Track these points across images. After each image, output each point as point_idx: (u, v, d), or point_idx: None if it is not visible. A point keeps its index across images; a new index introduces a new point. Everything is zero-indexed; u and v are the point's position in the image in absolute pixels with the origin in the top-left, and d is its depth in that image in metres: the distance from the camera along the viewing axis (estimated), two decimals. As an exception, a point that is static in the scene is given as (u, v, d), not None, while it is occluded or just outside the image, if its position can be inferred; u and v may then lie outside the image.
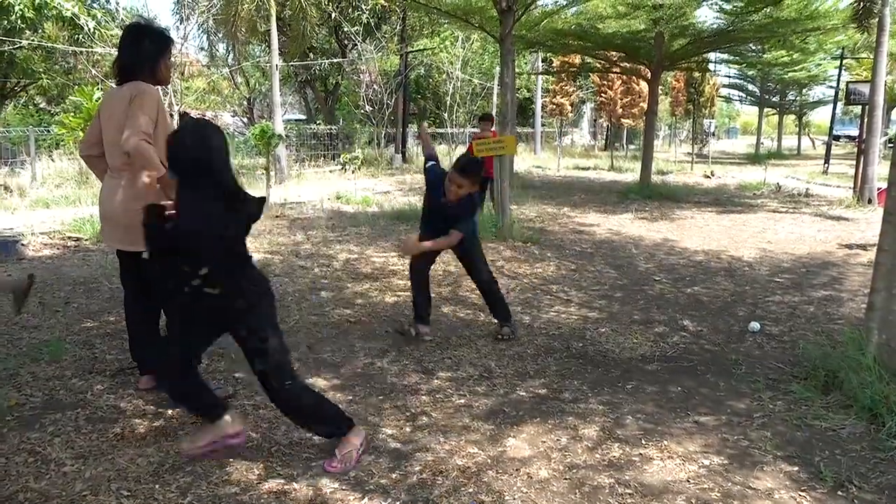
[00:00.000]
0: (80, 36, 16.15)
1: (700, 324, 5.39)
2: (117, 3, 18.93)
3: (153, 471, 2.87)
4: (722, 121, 61.43)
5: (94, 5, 18.66)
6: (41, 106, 26.71)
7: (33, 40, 17.16)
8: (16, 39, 15.99)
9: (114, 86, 3.62)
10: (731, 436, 3.39)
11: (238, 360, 4.19)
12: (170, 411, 3.43)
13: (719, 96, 36.71)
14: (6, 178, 13.85)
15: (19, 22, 15.04)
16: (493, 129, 9.64)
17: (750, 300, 6.16)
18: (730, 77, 36.63)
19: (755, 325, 5.26)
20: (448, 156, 25.06)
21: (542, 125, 32.06)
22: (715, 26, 15.45)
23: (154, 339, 3.64)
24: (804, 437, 3.38)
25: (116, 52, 3.60)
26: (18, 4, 14.27)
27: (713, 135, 29.60)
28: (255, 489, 2.78)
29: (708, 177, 20.60)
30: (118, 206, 3.47)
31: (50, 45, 17.79)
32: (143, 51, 3.51)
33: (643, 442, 3.31)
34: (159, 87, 3.61)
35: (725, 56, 22.35)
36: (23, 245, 7.27)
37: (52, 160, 15.86)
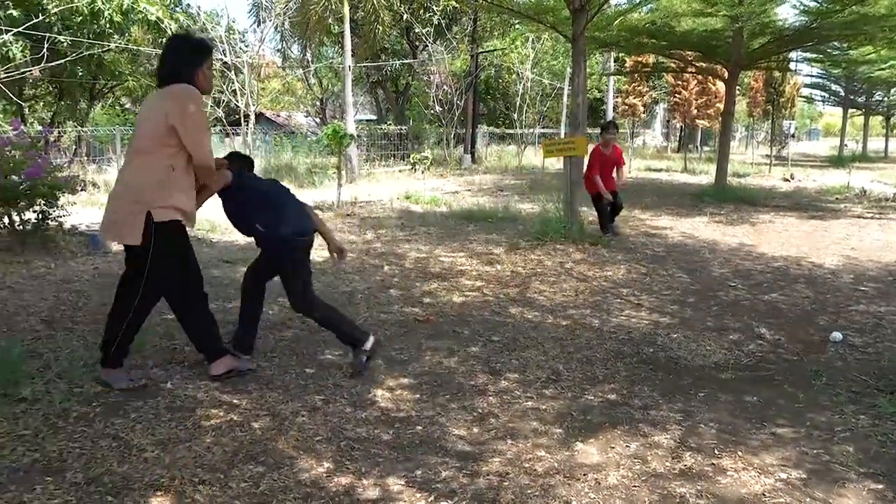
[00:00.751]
0: (164, 39, 16.78)
1: (778, 332, 5.20)
2: (198, 7, 19.61)
3: (228, 459, 2.96)
4: (802, 122, 59.25)
5: (177, 9, 19.37)
6: (126, 106, 27.91)
7: (120, 43, 17.93)
8: (105, 43, 16.73)
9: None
10: (811, 449, 3.26)
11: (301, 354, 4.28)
12: (244, 401, 3.54)
13: (800, 97, 35.40)
14: (94, 174, 14.54)
15: (108, 26, 15.75)
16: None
17: (832, 309, 5.91)
18: (812, 76, 35.33)
19: (837, 335, 5.04)
20: (517, 157, 25.00)
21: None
22: (797, 24, 14.89)
23: (207, 324, 3.81)
24: (891, 454, 3.22)
25: (158, 61, 3.73)
26: (107, 9, 14.95)
27: (793, 136, 28.53)
28: (325, 483, 2.83)
29: (787, 180, 19.89)
30: (120, 200, 3.59)
31: (136, 47, 18.57)
32: (183, 60, 3.62)
33: (717, 452, 3.22)
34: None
35: (808, 55, 21.49)
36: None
37: (136, 158, 16.52)
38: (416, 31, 23.97)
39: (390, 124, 24.59)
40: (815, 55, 21.34)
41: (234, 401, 3.56)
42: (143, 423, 3.26)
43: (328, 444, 3.16)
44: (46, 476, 2.75)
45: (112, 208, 3.61)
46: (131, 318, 3.66)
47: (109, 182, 13.74)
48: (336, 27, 21.77)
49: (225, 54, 13.26)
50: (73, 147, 19.18)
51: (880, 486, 2.92)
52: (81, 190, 11.82)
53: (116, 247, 7.56)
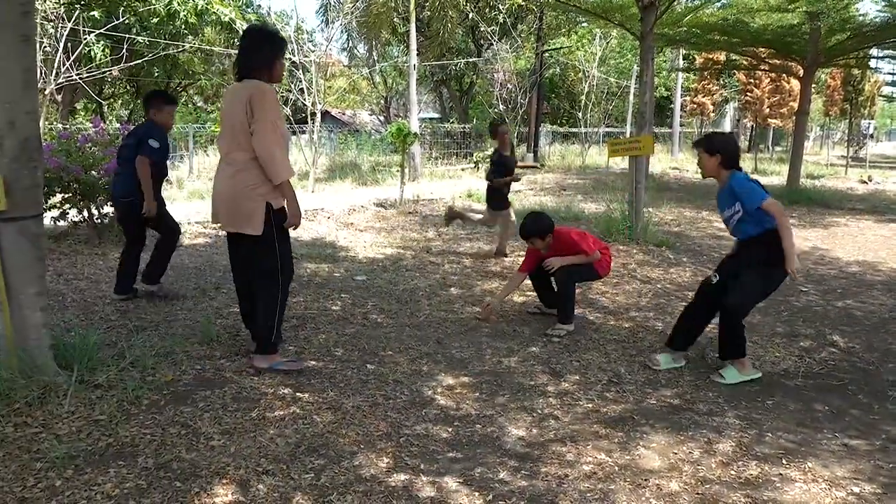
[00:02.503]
0: (236, 39, 17.27)
1: (852, 340, 5.00)
2: (269, 7, 20.08)
3: (290, 451, 3.02)
4: (883, 122, 56.72)
5: (249, 10, 19.88)
6: (199, 104, 28.82)
7: (194, 44, 18.53)
8: (180, 43, 17.32)
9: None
10: (887, 463, 3.12)
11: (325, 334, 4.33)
12: (306, 395, 3.61)
13: (881, 95, 33.88)
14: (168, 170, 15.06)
15: (183, 27, 16.30)
16: None
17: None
18: (893, 74, 33.73)
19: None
20: (581, 156, 24.72)
21: (681, 125, 30.86)
22: (879, 19, 14.24)
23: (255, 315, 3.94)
24: (973, 471, 3.06)
25: (237, 53, 3.87)
26: (183, 11, 15.46)
27: (872, 136, 27.35)
28: (384, 478, 2.86)
29: (865, 182, 19.07)
30: (226, 190, 3.77)
31: (209, 47, 19.15)
32: (262, 53, 3.77)
33: (784, 462, 3.12)
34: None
35: (890, 51, 20.54)
36: (180, 233, 7.84)
37: (207, 155, 17.08)
38: (482, 29, 23.94)
39: (454, 122, 24.65)
40: (897, 52, 20.38)
41: (297, 394, 3.64)
42: (210, 412, 3.36)
43: (388, 440, 3.19)
44: (119, 460, 2.87)
45: (224, 199, 3.82)
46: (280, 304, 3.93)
47: (181, 178, 14.22)
48: (402, 26, 21.92)
49: (293, 53, 13.55)
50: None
51: (961, 505, 2.79)
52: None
53: (188, 240, 7.82)
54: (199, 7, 15.57)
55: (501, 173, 7.48)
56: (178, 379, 3.74)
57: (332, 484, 2.79)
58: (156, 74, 20.85)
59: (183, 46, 17.78)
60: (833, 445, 3.31)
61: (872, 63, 23.87)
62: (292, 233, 4.07)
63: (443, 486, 2.83)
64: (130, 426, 3.16)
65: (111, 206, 7.21)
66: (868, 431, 3.48)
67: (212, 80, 23.38)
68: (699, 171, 4.30)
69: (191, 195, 12.31)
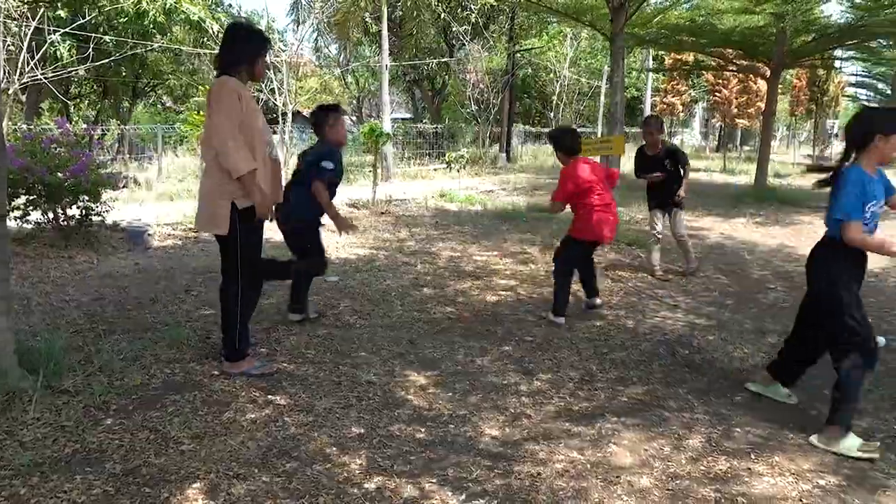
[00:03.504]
0: (205, 39, 17.09)
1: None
2: (239, 7, 19.90)
3: (262, 454, 3.00)
4: (847, 121, 57.91)
5: (218, 9, 19.68)
6: (168, 105, 28.47)
7: (163, 43, 18.29)
8: (148, 42, 17.08)
9: None
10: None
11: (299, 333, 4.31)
12: (278, 397, 3.58)
13: (845, 95, 34.55)
14: (136, 171, 14.85)
15: (151, 26, 16.07)
16: None
17: (875, 313, 5.76)
18: (857, 75, 34.42)
19: (881, 340, 4.89)
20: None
21: (651, 125, 31.13)
22: (843, 21, 14.53)
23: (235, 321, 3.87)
24: (934, 462, 3.13)
25: (219, 48, 3.84)
26: (152, 10, 15.25)
27: (836, 136, 27.88)
28: (358, 480, 2.85)
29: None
30: (199, 190, 3.77)
31: (177, 47, 18.92)
32: (235, 49, 3.73)
33: (752, 456, 3.16)
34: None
35: (853, 52, 20.96)
36: (149, 235, 7.76)
37: (177, 156, 16.89)
38: (454, 29, 23.98)
39: (426, 123, 24.65)
40: (860, 53, 20.81)
41: (269, 397, 3.61)
42: (179, 416, 3.32)
43: (361, 442, 3.18)
44: (86, 466, 2.82)
45: (200, 202, 3.80)
46: (243, 308, 3.87)
47: (150, 179, 14.04)
48: (374, 26, 21.87)
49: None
50: (116, 145, 19.62)
51: (923, 496, 2.85)
52: (123, 187, 12.06)
53: (157, 242, 7.73)
54: (168, 6, 15.36)
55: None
56: (147, 383, 3.69)
57: (304, 487, 2.77)
58: (123, 74, 20.55)
59: (151, 46, 17.53)
60: (799, 439, 3.36)
61: (836, 64, 24.32)
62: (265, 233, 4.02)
63: (417, 486, 2.83)
64: (98, 432, 3.11)
65: (77, 208, 7.10)
66: (833, 425, 3.53)
67: (181, 80, 23.12)
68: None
69: (160, 196, 12.15)
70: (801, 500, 2.80)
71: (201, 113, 12.22)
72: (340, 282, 6.21)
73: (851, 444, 3.19)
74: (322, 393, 3.70)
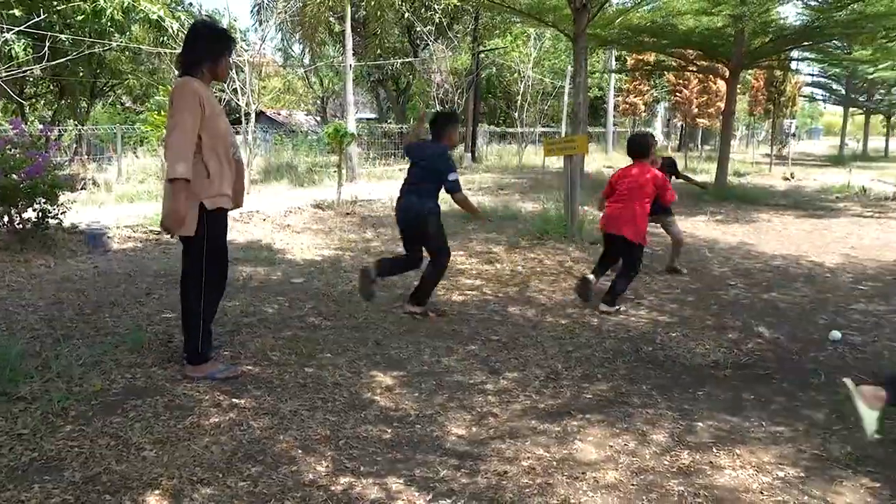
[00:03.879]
0: (165, 37, 16.82)
1: (777, 331, 5.21)
2: (200, 5, 19.62)
3: (226, 459, 2.96)
4: (803, 121, 59.20)
5: (179, 8, 19.40)
6: (127, 105, 27.97)
7: (122, 42, 17.96)
8: (106, 41, 16.76)
9: None
10: (808, 447, 3.26)
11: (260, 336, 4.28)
12: (243, 400, 3.54)
13: (801, 95, 35.29)
14: (94, 173, 14.55)
15: (109, 25, 15.77)
16: None
17: (831, 308, 5.91)
18: (813, 76, 35.28)
19: (836, 335, 5.04)
20: (518, 156, 24.98)
21: (615, 125, 31.56)
22: (798, 23, 14.89)
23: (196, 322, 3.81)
24: (887, 452, 3.22)
25: (182, 47, 3.79)
26: (109, 8, 14.96)
27: (794, 135, 28.49)
28: (324, 482, 2.83)
29: (788, 179, 19.88)
30: (165, 192, 3.68)
31: (136, 46, 18.58)
32: (196, 48, 3.68)
33: (714, 450, 3.22)
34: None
35: (808, 54, 21.48)
36: (109, 238, 7.61)
37: (137, 157, 16.58)
38: (418, 29, 23.96)
39: (391, 123, 24.59)
40: (815, 54, 21.34)
41: (233, 400, 3.56)
42: (141, 421, 3.26)
43: (327, 444, 3.16)
44: (45, 475, 2.75)
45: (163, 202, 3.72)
46: (206, 311, 3.81)
47: (109, 181, 13.77)
48: (337, 26, 21.75)
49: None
50: (74, 145, 19.19)
51: (877, 484, 2.93)
52: (81, 189, 11.83)
53: (117, 245, 7.58)
54: (126, 4, 15.09)
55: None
56: (107, 388, 3.62)
57: (269, 491, 2.74)
58: (81, 74, 20.13)
59: (109, 45, 17.21)
60: (760, 432, 3.43)
61: (793, 65, 24.86)
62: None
63: (384, 487, 2.82)
64: (56, 439, 3.03)
65: (34, 210, 6.93)
66: (792, 417, 3.62)
67: (140, 80, 22.72)
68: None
69: (119, 198, 11.93)
70: (762, 493, 2.85)
71: (162, 113, 12.03)
72: (305, 283, 6.17)
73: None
74: (287, 395, 3.67)
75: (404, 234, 5.43)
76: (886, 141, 41.23)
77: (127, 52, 20.09)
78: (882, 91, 36.21)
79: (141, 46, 18.55)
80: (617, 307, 5.62)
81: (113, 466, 2.84)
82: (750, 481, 2.94)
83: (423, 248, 5.36)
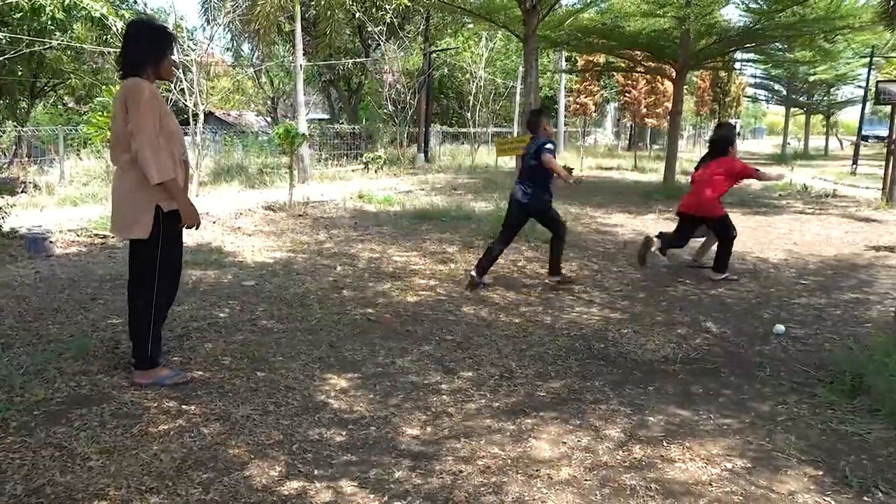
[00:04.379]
0: (109, 36, 16.38)
1: (724, 326, 5.34)
2: (145, 4, 19.18)
3: (176, 466, 2.90)
4: (748, 121, 60.83)
5: (123, 6, 18.91)
6: (70, 105, 27.17)
7: (63, 41, 17.43)
8: (46, 40, 16.25)
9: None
10: (755, 439, 3.35)
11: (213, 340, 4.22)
12: (193, 407, 3.47)
13: (745, 96, 36.34)
14: (35, 176, 14.09)
15: (49, 23, 15.29)
16: None
17: (775, 302, 6.09)
18: (756, 77, 36.29)
19: (780, 328, 5.19)
20: (471, 156, 25.07)
21: (566, 125, 31.92)
22: (741, 25, 15.28)
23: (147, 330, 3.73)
24: (829, 441, 3.33)
25: (120, 49, 3.71)
26: (49, 6, 14.51)
27: (739, 135, 29.28)
28: (276, 487, 2.79)
29: (733, 177, 20.35)
30: (115, 193, 3.65)
31: (79, 45, 18.06)
32: (143, 47, 3.62)
33: (665, 443, 3.28)
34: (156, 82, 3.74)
35: (751, 55, 22.10)
36: (51, 242, 7.39)
37: (80, 159, 16.11)
38: (369, 29, 23.84)
39: (343, 123, 24.42)
40: (758, 56, 21.98)
41: (183, 406, 3.49)
42: (87, 431, 3.17)
43: (280, 448, 3.12)
44: (-16, 488, 2.66)
45: (117, 206, 3.67)
46: (157, 315, 3.74)
47: (51, 184, 13.35)
48: (287, 26, 21.49)
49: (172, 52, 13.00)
50: (13, 148, 18.54)
51: (819, 472, 3.02)
52: (21, 192, 11.44)
53: (60, 250, 7.36)
54: (67, 2, 14.65)
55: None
56: (51, 398, 3.51)
57: (221, 498, 2.69)
58: (20, 73, 19.48)
59: (50, 43, 16.69)
60: (708, 425, 3.51)
61: (737, 66, 25.52)
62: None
63: (338, 490, 2.80)
64: (-4, 451, 2.93)
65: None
66: (739, 410, 3.72)
67: (83, 80, 22.10)
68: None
69: (62, 201, 11.57)
70: (710, 484, 2.92)
71: (106, 114, 11.72)
72: (257, 286, 6.08)
73: None
74: (239, 400, 3.61)
75: (509, 219, 6.46)
76: (826, 140, 42.69)
77: (69, 52, 19.51)
78: (821, 92, 37.46)
79: (83, 45, 18.04)
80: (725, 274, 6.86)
81: (57, 478, 2.76)
82: (699, 473, 3.01)
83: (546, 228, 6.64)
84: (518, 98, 26.75)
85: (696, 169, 7.96)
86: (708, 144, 8.37)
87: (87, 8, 14.65)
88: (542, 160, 6.06)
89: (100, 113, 12.84)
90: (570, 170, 6.43)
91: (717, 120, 29.88)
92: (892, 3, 6.59)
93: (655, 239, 7.15)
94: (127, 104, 3.48)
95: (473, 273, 6.27)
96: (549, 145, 6.18)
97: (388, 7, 22.80)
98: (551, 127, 6.79)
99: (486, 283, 6.37)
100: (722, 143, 7.54)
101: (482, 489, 2.83)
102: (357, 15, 22.85)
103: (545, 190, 6.30)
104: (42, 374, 3.79)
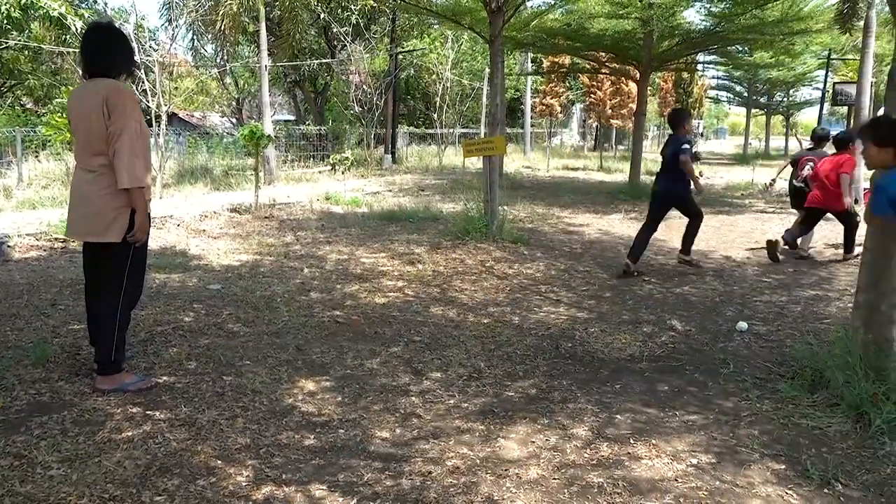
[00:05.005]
0: (68, 36, 16.05)
1: (688, 323, 5.41)
2: (105, 4, 18.84)
3: (140, 473, 2.85)
4: (710, 121, 61.82)
5: (82, 5, 18.56)
6: (28, 106, 26.58)
7: (20, 41, 17.04)
8: (2, 40, 15.86)
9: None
10: (719, 434, 3.41)
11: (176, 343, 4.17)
12: (157, 412, 3.42)
13: (707, 97, 36.94)
14: (-8, 179, 13.74)
15: (5, 22, 14.94)
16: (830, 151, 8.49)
17: (738, 300, 6.20)
18: (718, 78, 36.91)
19: (743, 325, 5.29)
20: (438, 157, 25.08)
21: (532, 126, 32.11)
22: (702, 27, 15.53)
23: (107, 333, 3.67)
24: (791, 435, 3.40)
25: (88, 48, 3.61)
26: (5, 4, 14.18)
27: (702, 135, 29.73)
28: (245, 492, 2.76)
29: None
30: (85, 196, 3.57)
31: (37, 45, 17.67)
32: (124, 51, 3.62)
33: (632, 441, 3.32)
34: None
35: (713, 57, 22.48)
36: (9, 247, 7.22)
37: (39, 161, 15.75)
38: (335, 30, 23.72)
39: (309, 125, 24.25)
40: (719, 58, 22.36)
41: (147, 412, 3.44)
42: (47, 439, 3.10)
43: (248, 452, 3.09)
44: (-60, 500, 2.58)
45: (84, 207, 3.60)
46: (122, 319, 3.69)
47: (9, 187, 13.04)
48: (252, 26, 21.28)
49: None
50: (-31, 150, 18.08)
51: (782, 466, 3.09)
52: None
53: (19, 254, 7.19)
54: (24, 1, 14.32)
55: None
56: (9, 406, 3.42)
57: (187, 504, 2.66)
58: (-25, 73, 19.01)
59: (6, 43, 16.30)
60: (674, 422, 3.56)
61: (699, 68, 25.94)
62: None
63: (307, 494, 2.78)
64: (-47, 462, 2.85)
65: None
66: (703, 407, 3.77)
67: (42, 80, 21.63)
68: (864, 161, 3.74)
69: (20, 205, 11.30)
70: (676, 480, 2.96)
71: (65, 115, 11.46)
72: (223, 289, 6.01)
73: None
74: (205, 405, 3.56)
75: (653, 211, 7.42)
76: (786, 140, 43.58)
77: (26, 51, 19.09)
78: (781, 93, 38.26)
79: (42, 45, 17.66)
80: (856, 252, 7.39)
81: (17, 488, 2.69)
82: (665, 469, 3.05)
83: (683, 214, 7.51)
84: (485, 99, 26.84)
85: (793, 163, 9.06)
86: (812, 140, 9.22)
87: (45, 7, 14.36)
88: (680, 160, 6.89)
89: (59, 114, 12.57)
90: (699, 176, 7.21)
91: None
92: (845, 7, 6.80)
93: (780, 239, 8.07)
94: (109, 105, 3.42)
95: (628, 261, 7.10)
96: (685, 145, 6.92)
97: (353, 7, 22.71)
98: (691, 126, 7.63)
99: (639, 272, 7.11)
100: (845, 141, 8.12)
101: (452, 489, 2.83)
102: (322, 15, 22.72)
103: (683, 181, 7.15)
104: (0, 381, 3.70)
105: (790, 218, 11.64)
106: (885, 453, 3.19)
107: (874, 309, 3.87)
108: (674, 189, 7.17)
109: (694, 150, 8.19)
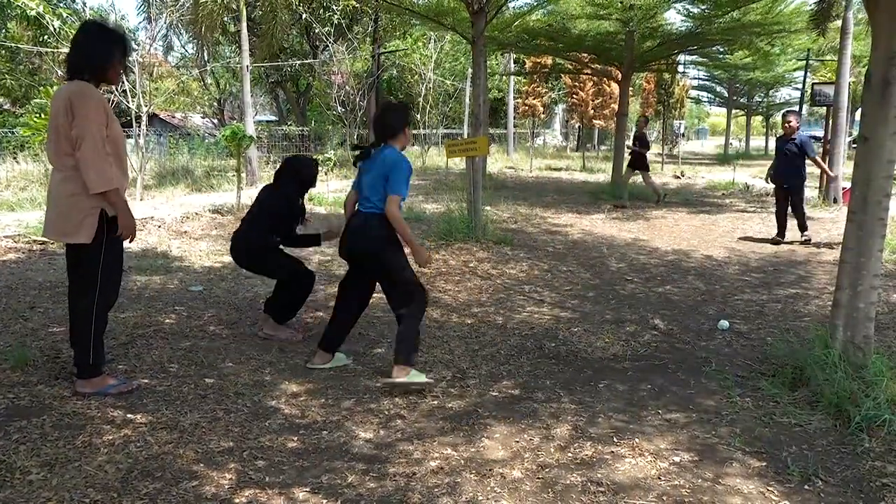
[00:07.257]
0: (46, 36, 15.87)
1: (671, 322, 5.45)
2: (84, 3, 18.65)
3: (122, 477, 2.82)
4: (691, 122, 62.26)
5: (60, 5, 18.36)
6: (5, 107, 26.21)
7: (-3, 40, 16.82)
8: (-22, 39, 15.65)
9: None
10: (701, 433, 3.43)
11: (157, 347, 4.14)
12: (139, 416, 3.39)
13: (689, 97, 37.14)
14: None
15: (-19, 22, 14.73)
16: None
17: (719, 299, 6.25)
18: (699, 79, 37.17)
19: (724, 324, 5.34)
20: (421, 157, 25.07)
21: (515, 126, 32.18)
22: (683, 28, 15.66)
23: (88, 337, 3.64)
24: (772, 432, 3.43)
25: (70, 47, 3.60)
26: (-20, 4, 13.98)
27: (683, 136, 29.95)
28: (227, 496, 2.74)
29: (678, 177, 20.83)
30: (55, 197, 3.55)
31: (14, 45, 17.45)
32: (95, 51, 3.55)
33: (615, 440, 3.34)
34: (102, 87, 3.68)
35: (694, 58, 22.66)
36: None
37: (17, 162, 15.57)
38: (316, 30, 23.63)
39: (291, 125, 24.15)
40: (700, 58, 22.54)
41: (129, 415, 3.40)
42: (27, 443, 3.06)
43: (230, 456, 3.07)
44: (-83, 507, 2.55)
45: (55, 208, 3.56)
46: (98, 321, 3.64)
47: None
48: (233, 26, 21.17)
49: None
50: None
51: (763, 463, 3.11)
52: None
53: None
54: (0, 0, 14.14)
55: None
56: (-12, 410, 3.38)
57: (169, 508, 2.64)
58: (-49, 74, 18.75)
59: (-18, 43, 16.09)
60: (656, 421, 3.58)
61: (681, 68, 26.10)
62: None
63: (290, 496, 2.76)
64: (-71, 468, 2.81)
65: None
66: (685, 405, 3.80)
67: (19, 80, 21.36)
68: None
69: (-1, 207, 11.15)
70: (659, 478, 2.98)
71: (43, 116, 11.35)
72: (205, 291, 5.97)
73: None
74: (187, 408, 3.54)
75: (778, 194, 9.20)
76: (766, 140, 44.03)
77: (3, 51, 18.84)
78: (761, 94, 38.63)
79: (19, 45, 17.44)
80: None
81: (-5, 494, 2.66)
82: (648, 468, 3.07)
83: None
84: (467, 100, 26.85)
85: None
86: None
87: (23, 6, 14.18)
88: (809, 158, 8.87)
89: (37, 115, 12.42)
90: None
91: (661, 121, 30.53)
92: (819, 8, 6.88)
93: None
94: (72, 108, 3.38)
95: (777, 236, 9.13)
96: (811, 143, 8.83)
97: (335, 8, 22.65)
98: (798, 122, 9.27)
99: (787, 241, 8.97)
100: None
101: (436, 490, 2.83)
102: (304, 16, 22.63)
103: (801, 174, 8.91)
104: (-22, 386, 3.65)
105: (770, 217, 11.76)
106: (864, 450, 3.23)
107: (853, 307, 3.92)
108: (794, 180, 9.11)
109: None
